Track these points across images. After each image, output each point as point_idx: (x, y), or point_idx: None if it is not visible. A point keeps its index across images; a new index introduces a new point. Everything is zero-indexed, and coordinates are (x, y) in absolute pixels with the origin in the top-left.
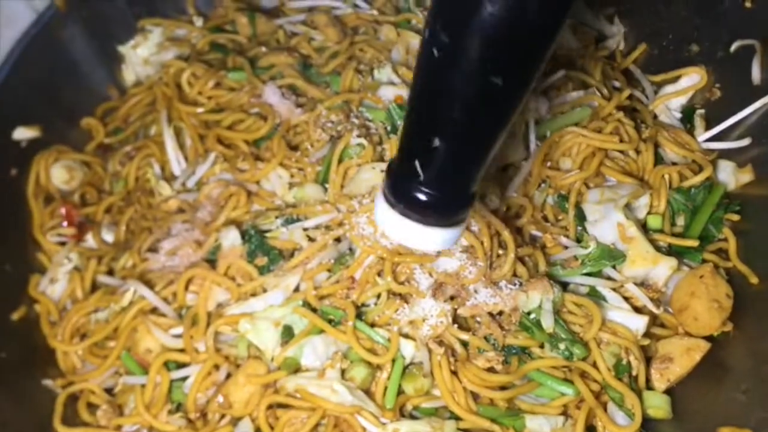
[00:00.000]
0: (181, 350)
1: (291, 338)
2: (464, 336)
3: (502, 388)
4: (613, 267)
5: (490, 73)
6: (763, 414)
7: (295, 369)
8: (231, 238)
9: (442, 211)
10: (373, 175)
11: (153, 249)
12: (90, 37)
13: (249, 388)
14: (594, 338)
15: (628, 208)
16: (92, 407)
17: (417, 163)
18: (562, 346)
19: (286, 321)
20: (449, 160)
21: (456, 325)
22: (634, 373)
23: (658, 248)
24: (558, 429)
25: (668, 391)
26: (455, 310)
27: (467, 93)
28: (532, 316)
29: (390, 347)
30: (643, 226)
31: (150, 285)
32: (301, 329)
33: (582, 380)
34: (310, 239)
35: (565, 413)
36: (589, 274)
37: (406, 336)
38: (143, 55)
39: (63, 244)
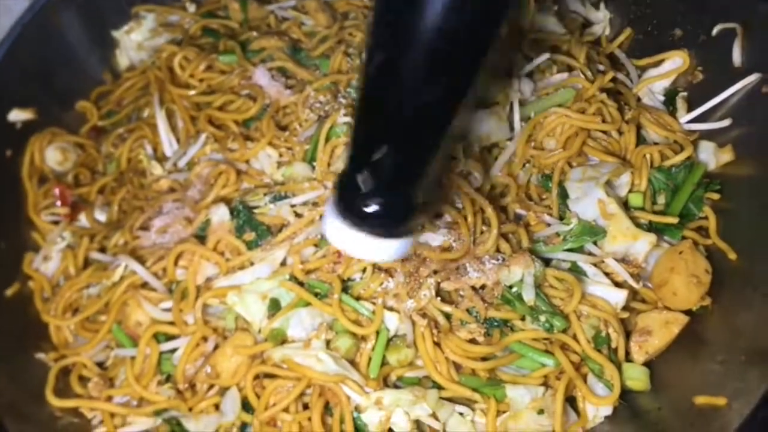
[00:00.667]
0: (171, 323)
1: (278, 311)
2: (447, 309)
3: (484, 359)
4: (594, 243)
5: (426, 85)
6: (738, 384)
7: (282, 340)
8: (220, 214)
9: (388, 222)
10: None
11: (144, 227)
12: (84, 22)
13: (236, 358)
14: (574, 311)
15: (609, 185)
16: (83, 380)
17: (360, 176)
18: (542, 318)
19: (273, 294)
20: (391, 171)
21: (439, 298)
22: (613, 345)
23: (638, 225)
24: (538, 399)
25: (647, 364)
26: (439, 283)
27: (404, 104)
28: (514, 289)
29: (374, 319)
30: (625, 204)
31: (141, 261)
32: (288, 302)
33: (562, 352)
34: (298, 215)
35: (545, 384)
36: (570, 250)
37: (390, 309)
38: (137, 40)
39: (57, 223)
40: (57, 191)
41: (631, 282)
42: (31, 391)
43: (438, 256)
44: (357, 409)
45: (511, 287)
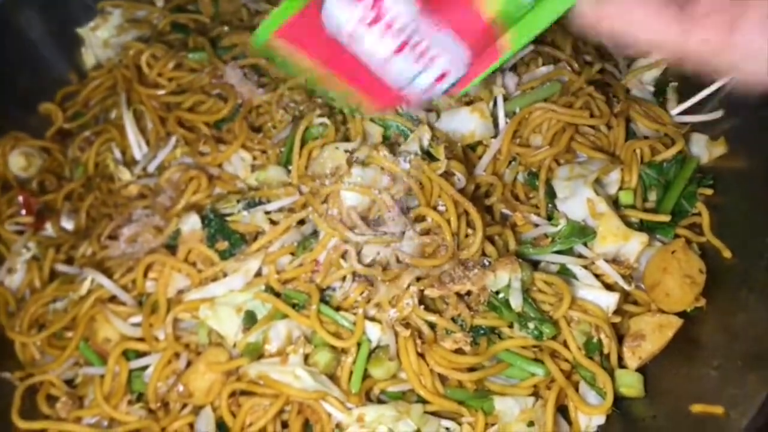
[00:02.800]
0: (141, 339)
1: (254, 324)
2: (431, 318)
3: (471, 369)
4: (584, 244)
5: None
6: (735, 390)
7: (258, 355)
8: (191, 223)
9: None
10: (337, 155)
11: (113, 236)
12: (47, 19)
13: (210, 375)
14: (564, 316)
15: (598, 183)
16: (52, 399)
17: None
18: (531, 325)
19: (249, 306)
20: None
21: (423, 307)
22: (605, 351)
23: (629, 224)
24: (528, 410)
25: (640, 369)
26: (422, 291)
27: None
28: (501, 295)
29: (355, 330)
30: (615, 202)
31: (109, 273)
32: (264, 315)
33: (552, 360)
34: (273, 222)
35: (535, 394)
36: (559, 252)
37: (372, 319)
38: (103, 37)
39: (21, 233)
40: (21, 199)
41: (623, 284)
42: None
43: (420, 262)
44: (338, 426)
45: (497, 293)
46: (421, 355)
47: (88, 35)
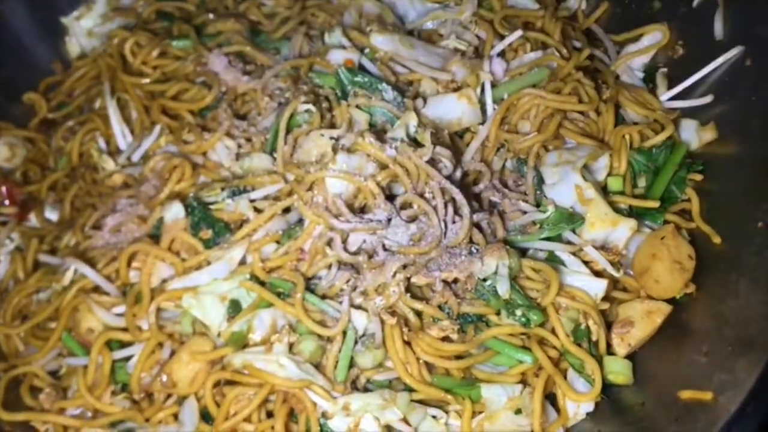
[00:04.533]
0: (124, 329)
1: (238, 312)
2: (418, 305)
3: (458, 357)
4: (573, 231)
5: None
6: (724, 376)
7: (243, 344)
8: (174, 212)
9: None
10: (322, 142)
11: (97, 226)
12: (31, 8)
13: (194, 365)
14: (552, 303)
15: (586, 169)
16: (35, 391)
17: None
18: (518, 312)
19: (233, 295)
20: None
21: (409, 294)
22: (593, 338)
23: (618, 210)
24: (515, 398)
25: (629, 356)
26: (408, 278)
27: None
28: (488, 282)
29: (340, 319)
30: (604, 188)
31: (93, 263)
32: (249, 303)
33: (540, 347)
34: (258, 210)
35: (523, 381)
36: (548, 239)
37: (358, 307)
38: (87, 26)
39: (5, 224)
40: (4, 190)
41: (611, 271)
42: None
43: (407, 250)
44: (324, 415)
45: (485, 280)
46: (407, 344)
47: (72, 24)
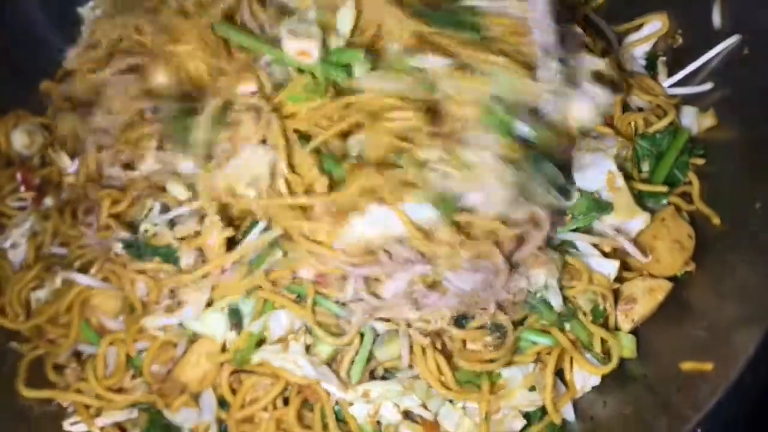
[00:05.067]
0: None
1: (239, 320)
2: (458, 332)
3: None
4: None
5: None
6: (724, 349)
7: (259, 342)
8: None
9: None
10: None
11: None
12: None
13: (202, 366)
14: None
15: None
16: (59, 368)
17: None
18: (568, 326)
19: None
20: None
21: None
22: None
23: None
24: (529, 375)
25: (633, 331)
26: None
27: None
28: (538, 295)
29: (351, 328)
30: None
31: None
32: (248, 311)
33: (558, 330)
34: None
35: (536, 359)
36: (576, 230)
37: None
38: None
39: (23, 209)
40: (19, 176)
41: (640, 257)
42: (4, 381)
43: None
44: (338, 403)
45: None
46: (440, 351)
47: (88, 14)
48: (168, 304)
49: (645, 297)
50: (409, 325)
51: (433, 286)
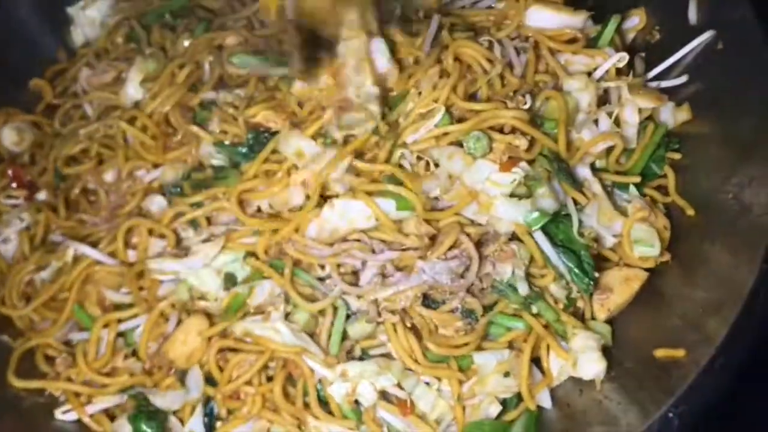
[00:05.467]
0: (130, 305)
1: (233, 285)
2: (428, 313)
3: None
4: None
5: None
6: (696, 336)
7: (243, 310)
8: (156, 203)
9: None
10: None
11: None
12: None
13: (189, 344)
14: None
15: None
16: (50, 358)
17: None
18: (534, 309)
19: (228, 269)
20: None
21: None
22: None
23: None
24: (504, 362)
25: (608, 321)
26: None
27: None
28: (505, 280)
29: (328, 296)
30: (591, 165)
31: (94, 242)
32: (243, 276)
33: (531, 315)
34: None
35: (510, 346)
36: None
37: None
38: (92, 16)
39: (15, 206)
40: (10, 172)
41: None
42: None
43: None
44: (321, 381)
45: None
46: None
47: (77, 14)
48: (176, 252)
49: (621, 286)
50: (377, 304)
51: (402, 267)
